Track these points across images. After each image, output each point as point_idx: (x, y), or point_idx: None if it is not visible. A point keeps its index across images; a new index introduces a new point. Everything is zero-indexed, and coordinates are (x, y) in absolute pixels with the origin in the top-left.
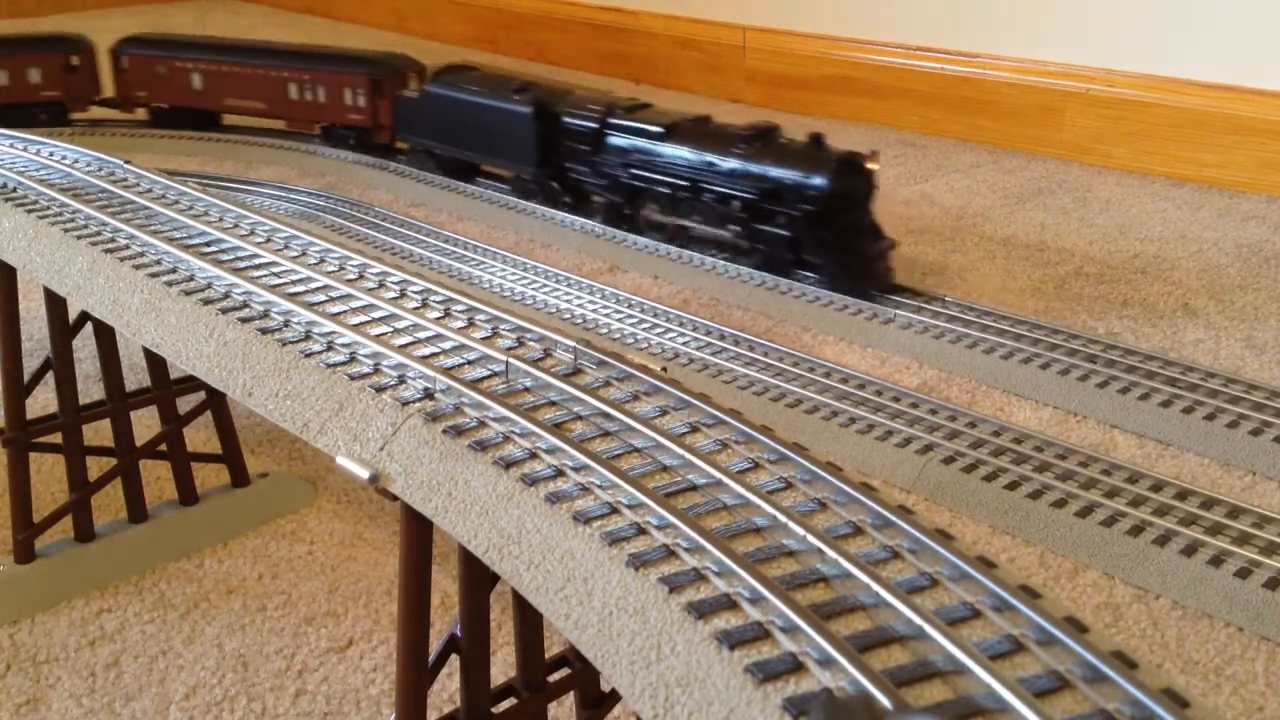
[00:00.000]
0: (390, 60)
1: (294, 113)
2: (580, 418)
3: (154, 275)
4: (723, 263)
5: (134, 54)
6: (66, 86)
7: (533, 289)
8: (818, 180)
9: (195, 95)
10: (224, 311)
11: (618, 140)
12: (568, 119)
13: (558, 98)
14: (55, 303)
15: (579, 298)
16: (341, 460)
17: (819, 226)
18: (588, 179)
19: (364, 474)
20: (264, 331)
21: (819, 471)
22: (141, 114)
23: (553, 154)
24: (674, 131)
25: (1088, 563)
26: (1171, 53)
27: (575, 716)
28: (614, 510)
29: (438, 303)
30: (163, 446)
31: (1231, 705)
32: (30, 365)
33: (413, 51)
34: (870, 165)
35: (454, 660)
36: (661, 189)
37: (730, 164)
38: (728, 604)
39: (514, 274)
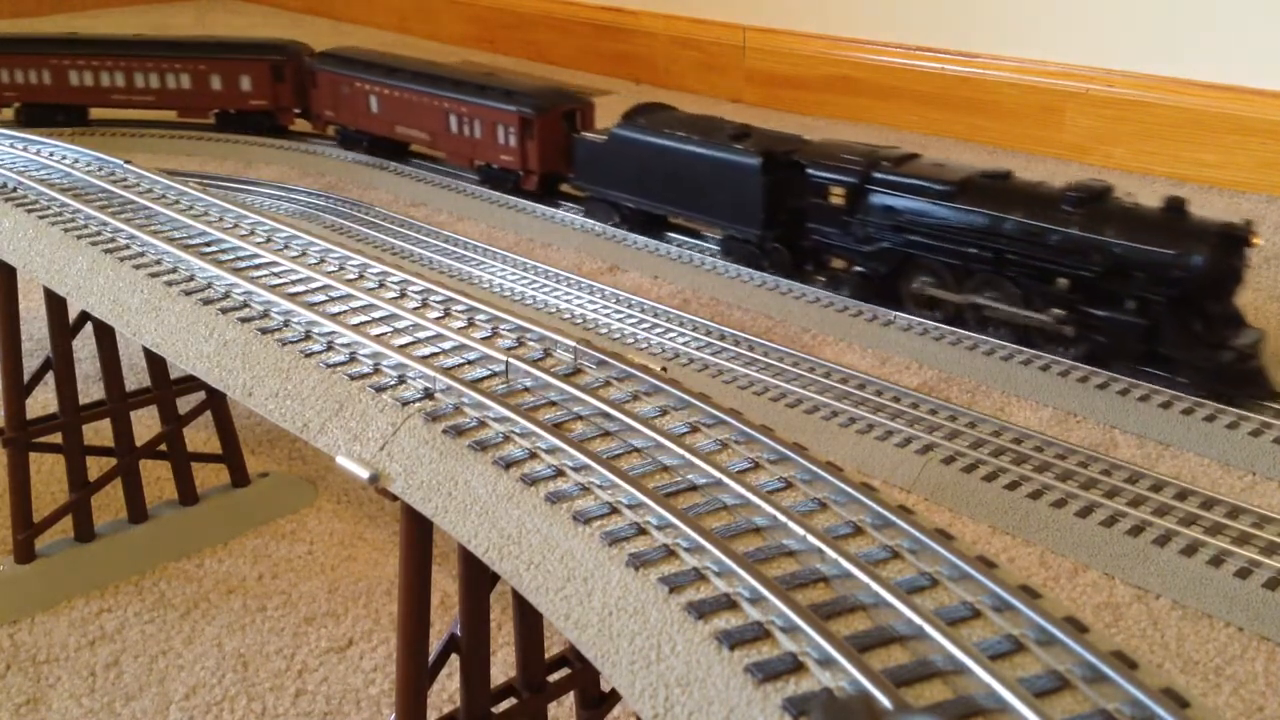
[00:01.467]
0: (550, 95)
1: (451, 148)
2: (580, 417)
3: (154, 275)
4: (723, 263)
5: (325, 71)
6: (275, 96)
7: (533, 289)
8: (1193, 258)
9: (372, 120)
10: (224, 311)
11: (885, 199)
12: (816, 172)
13: (791, 146)
14: (55, 303)
15: (579, 298)
16: (341, 460)
17: (1186, 315)
18: (837, 244)
19: (364, 474)
20: (264, 331)
21: (819, 471)
22: (326, 132)
23: (784, 213)
24: (965, 190)
25: (1088, 563)
26: (1171, 53)
27: (575, 716)
28: (614, 510)
29: (438, 303)
30: (163, 446)
31: (1231, 705)
32: (30, 365)
33: (412, 51)
34: (1254, 241)
35: (454, 660)
36: (943, 259)
37: (1055, 232)
38: (728, 604)
39: (514, 274)
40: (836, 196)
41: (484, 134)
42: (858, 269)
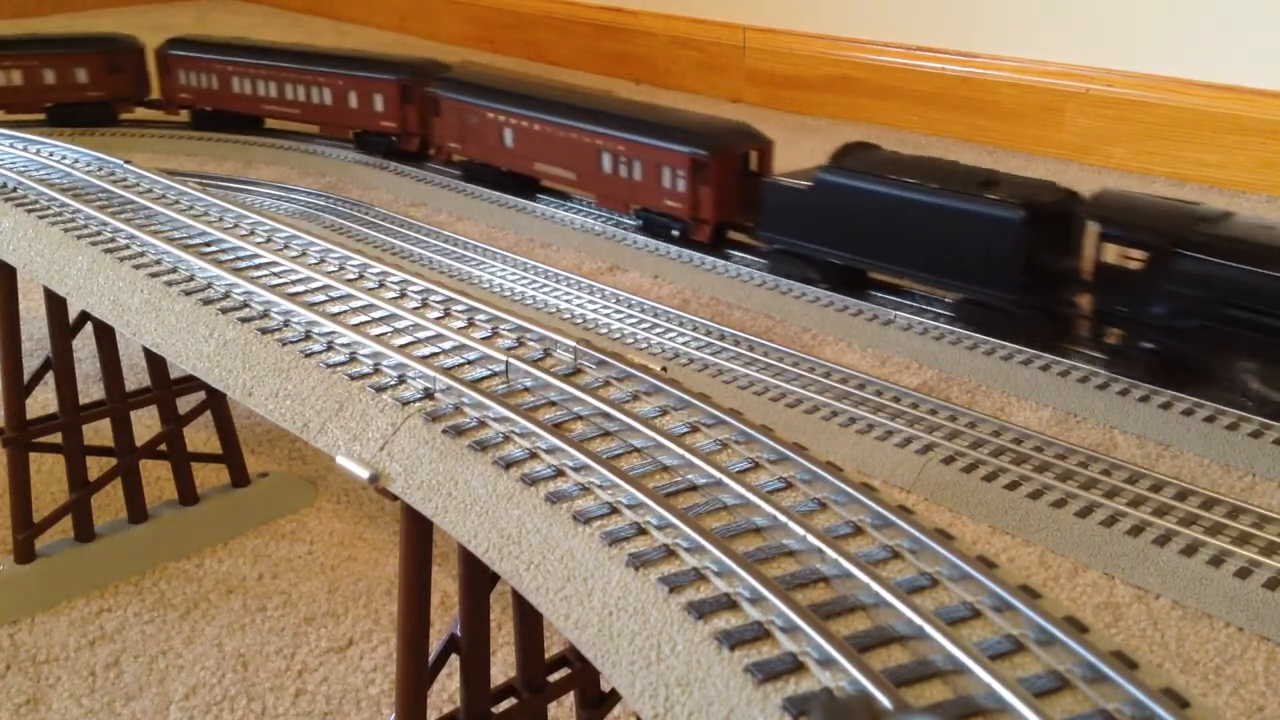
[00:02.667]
0: (727, 134)
1: (604, 190)
2: (580, 417)
3: (154, 275)
4: (723, 262)
5: (448, 98)
6: (403, 119)
7: (533, 289)
8: None
9: (505, 154)
10: (224, 311)
11: (1203, 266)
12: (1110, 229)
13: (1058, 196)
14: (55, 303)
15: (579, 298)
16: (341, 460)
17: None
18: (1125, 314)
19: (364, 474)
20: (264, 331)
21: (819, 471)
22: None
23: (1046, 275)
24: None
25: (1088, 563)
26: (1171, 53)
27: (575, 716)
28: (614, 510)
29: (438, 303)
30: (163, 446)
31: (1231, 705)
32: (30, 365)
33: (412, 51)
34: None
35: (454, 660)
36: None
37: None
38: (728, 604)
39: (514, 274)
40: (1134, 260)
41: (646, 176)
42: (1147, 344)
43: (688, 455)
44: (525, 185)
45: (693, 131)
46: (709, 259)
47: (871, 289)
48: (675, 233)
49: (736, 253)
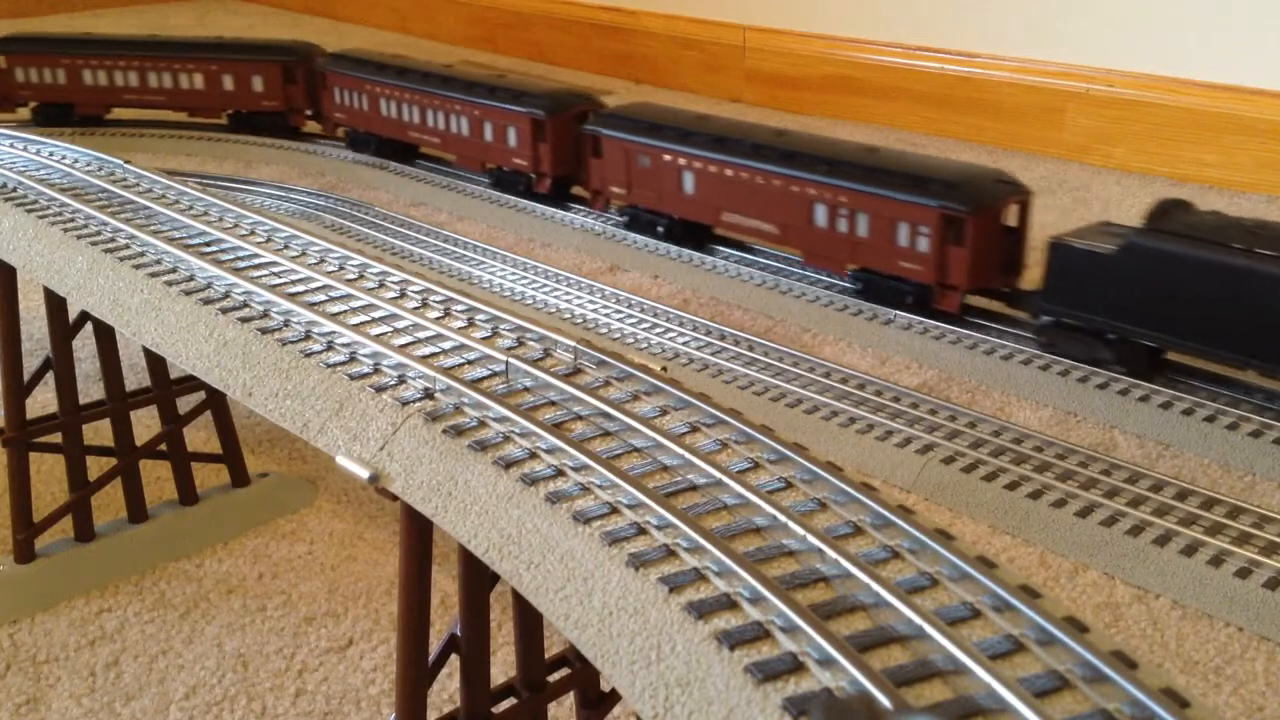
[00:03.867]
0: (987, 185)
1: (817, 246)
2: (580, 417)
3: (154, 275)
4: (723, 262)
5: (612, 137)
6: (535, 158)
7: (533, 289)
8: None
9: (683, 202)
10: (224, 311)
11: None
12: None
13: None
14: (55, 303)
15: (579, 298)
16: (341, 460)
17: None
18: None
19: (364, 474)
20: (264, 331)
21: (819, 471)
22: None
23: None
24: None
25: (1088, 563)
26: (1171, 53)
27: (575, 716)
28: (614, 510)
29: (438, 303)
30: (163, 446)
31: (1231, 705)
32: (30, 365)
33: (412, 51)
34: None
35: (454, 660)
36: None
37: None
38: (728, 604)
39: (514, 274)
40: None
41: (875, 232)
42: None
43: (688, 455)
44: (702, 236)
45: (938, 180)
46: (709, 259)
47: (1173, 373)
48: (910, 299)
49: (991, 324)
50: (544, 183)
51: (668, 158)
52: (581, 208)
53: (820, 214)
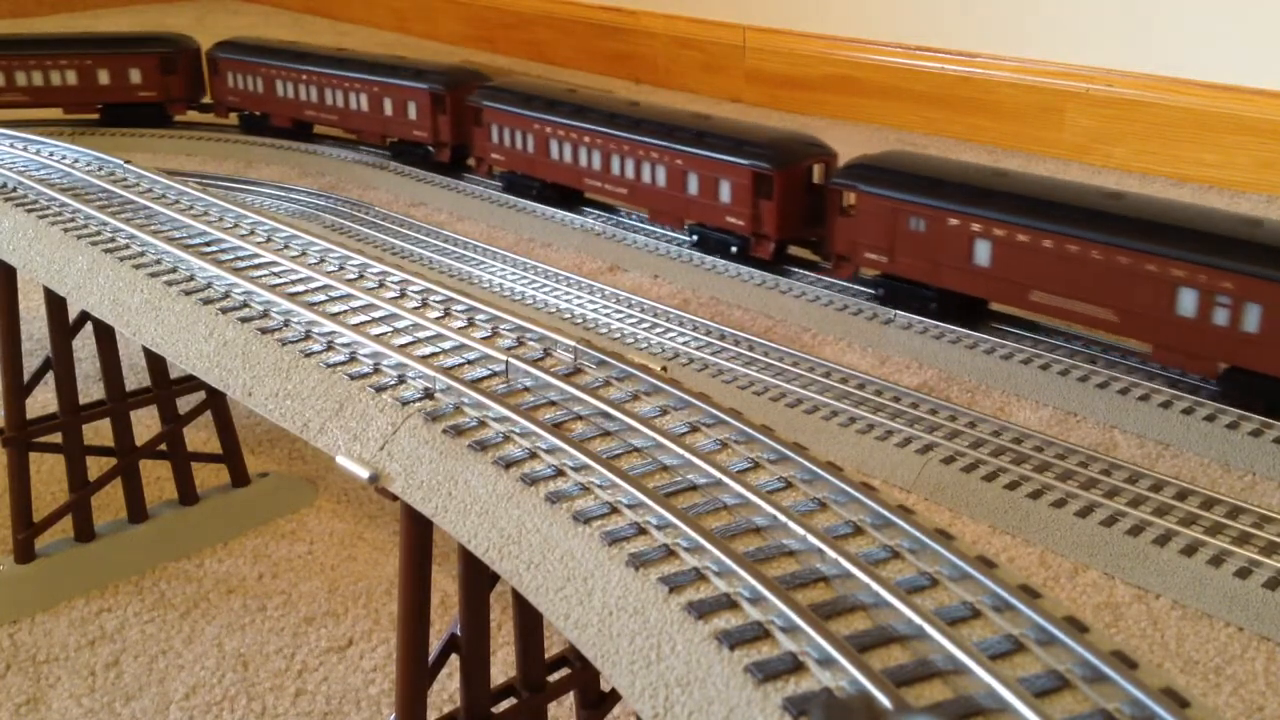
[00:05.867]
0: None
1: (1183, 342)
2: (580, 417)
3: (154, 275)
4: (723, 262)
5: (873, 194)
6: (754, 219)
7: (533, 289)
8: None
9: (975, 277)
10: (224, 311)
11: None
12: None
13: None
14: (55, 303)
15: (579, 298)
16: (341, 460)
17: None
18: None
19: (364, 474)
20: (264, 331)
21: (819, 471)
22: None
23: None
24: None
25: (1088, 563)
26: (1171, 53)
27: (575, 716)
28: (614, 510)
29: (438, 302)
30: (163, 446)
31: (1231, 705)
32: (30, 365)
33: (413, 51)
34: None
35: (454, 660)
36: None
37: None
38: (728, 604)
39: (514, 274)
40: None
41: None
42: None
43: (688, 455)
44: (976, 312)
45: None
46: (709, 259)
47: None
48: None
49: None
50: (765, 248)
51: (955, 222)
52: (581, 208)
53: (1188, 302)
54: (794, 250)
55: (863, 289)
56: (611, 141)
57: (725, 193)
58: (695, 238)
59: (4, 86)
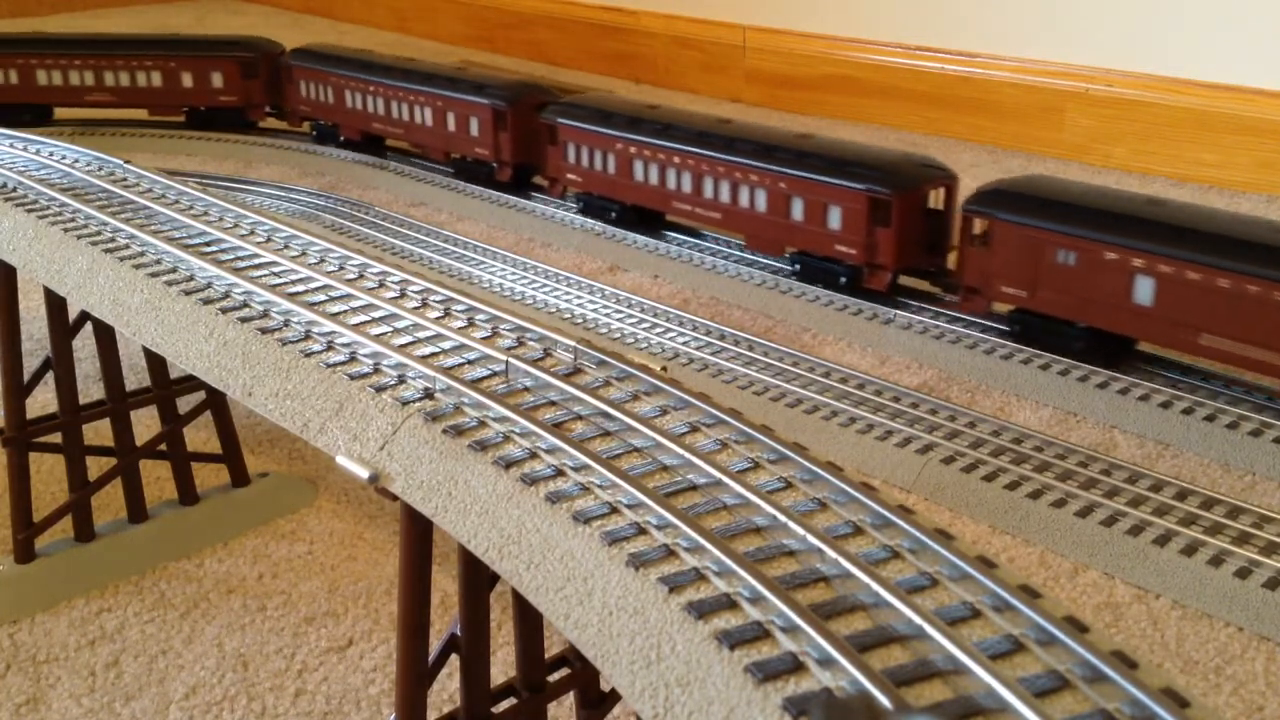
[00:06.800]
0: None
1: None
2: (580, 417)
3: (154, 275)
4: (723, 262)
5: (1007, 220)
6: (871, 245)
7: (533, 289)
8: None
9: (1130, 316)
10: (224, 311)
11: None
12: None
13: None
14: (55, 303)
15: (579, 298)
16: (341, 460)
17: None
18: None
19: (364, 474)
20: (264, 331)
21: (819, 471)
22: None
23: None
24: None
25: (1088, 563)
26: (1171, 53)
27: (575, 716)
28: (614, 510)
29: (438, 302)
30: (163, 446)
31: (1231, 705)
32: (30, 365)
33: (413, 51)
34: None
35: (454, 660)
36: None
37: None
38: (728, 604)
39: (514, 274)
40: None
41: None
42: None
43: (688, 455)
44: (1124, 352)
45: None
46: (709, 259)
47: None
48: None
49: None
50: (880, 279)
51: (1111, 255)
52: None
53: None
54: (905, 280)
55: (991, 324)
56: (704, 162)
57: (835, 219)
58: (797, 266)
59: (94, 85)
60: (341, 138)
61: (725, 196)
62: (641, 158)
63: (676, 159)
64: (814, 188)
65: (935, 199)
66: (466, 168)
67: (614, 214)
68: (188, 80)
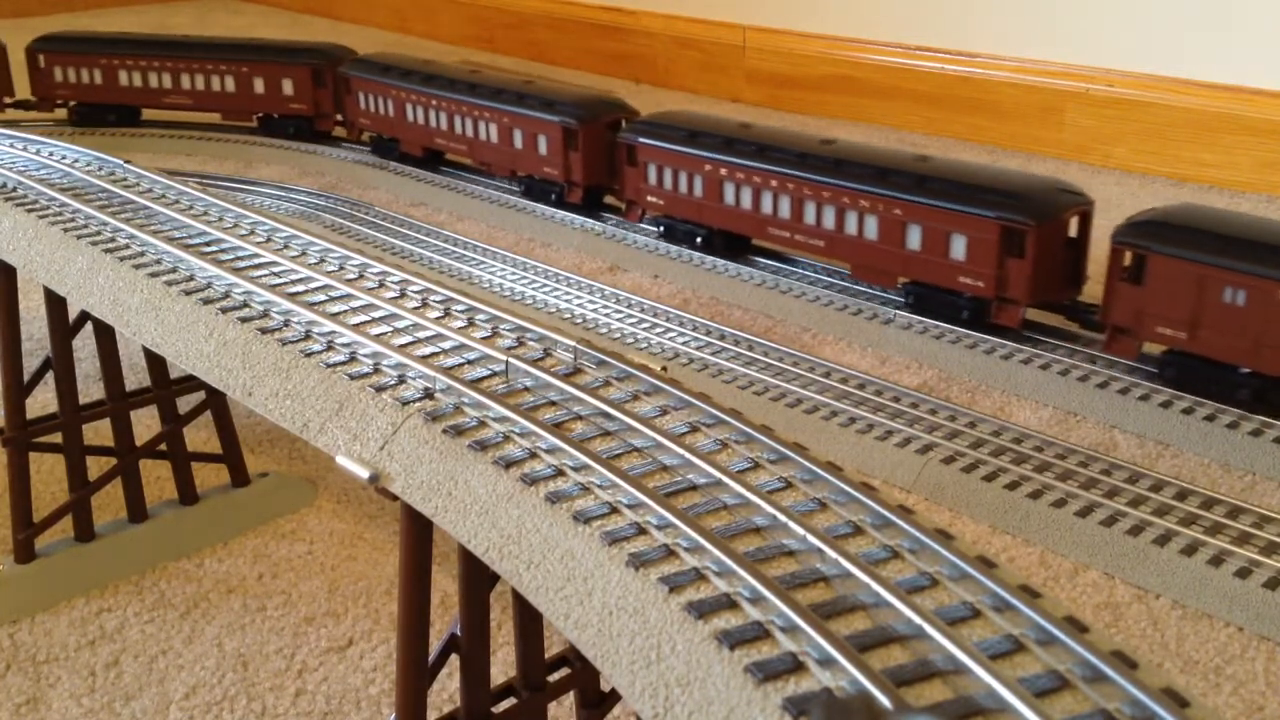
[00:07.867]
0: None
1: None
2: (580, 417)
3: (154, 275)
4: (723, 262)
5: (1165, 254)
6: (1002, 278)
7: (533, 289)
8: None
9: None
10: (224, 311)
11: None
12: None
13: None
14: (55, 303)
15: (579, 298)
16: (341, 460)
17: None
18: None
19: (364, 474)
20: (264, 331)
21: (819, 471)
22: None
23: None
24: None
25: (1088, 563)
26: (1171, 53)
27: (575, 716)
28: (614, 510)
29: (438, 302)
30: (163, 446)
31: (1231, 705)
32: (30, 365)
33: (413, 51)
34: None
35: (454, 660)
36: None
37: None
38: (728, 604)
39: (514, 274)
40: None
41: None
42: None
43: (688, 455)
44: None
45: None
46: (709, 258)
47: None
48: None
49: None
50: (1013, 315)
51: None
52: (581, 207)
53: None
54: (1034, 314)
55: (1137, 365)
56: (806, 186)
57: (959, 248)
58: (911, 298)
59: (171, 89)
60: (401, 152)
61: (829, 223)
62: (734, 180)
63: (774, 182)
64: (936, 214)
65: (1074, 227)
66: (534, 187)
67: (700, 239)
68: (259, 86)
